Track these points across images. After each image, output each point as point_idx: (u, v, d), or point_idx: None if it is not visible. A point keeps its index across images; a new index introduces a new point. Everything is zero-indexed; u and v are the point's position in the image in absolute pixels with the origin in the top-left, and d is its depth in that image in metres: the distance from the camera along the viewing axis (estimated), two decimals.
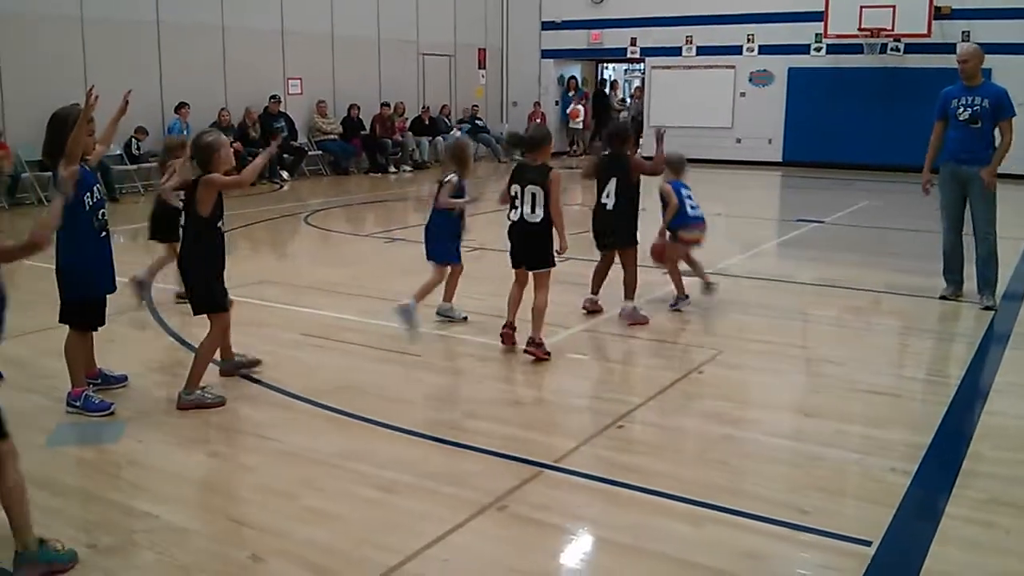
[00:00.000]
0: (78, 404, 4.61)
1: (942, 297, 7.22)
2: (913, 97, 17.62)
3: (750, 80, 20.02)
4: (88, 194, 4.54)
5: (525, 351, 5.62)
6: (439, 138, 19.52)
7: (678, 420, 4.74)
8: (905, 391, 5.25)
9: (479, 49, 22.17)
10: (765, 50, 19.72)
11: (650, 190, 6.94)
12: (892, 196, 14.80)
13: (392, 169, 18.16)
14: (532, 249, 5.67)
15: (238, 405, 4.83)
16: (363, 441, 4.37)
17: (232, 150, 5.04)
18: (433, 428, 4.50)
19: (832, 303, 7.42)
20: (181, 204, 4.91)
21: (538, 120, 21.76)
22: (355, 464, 4.05)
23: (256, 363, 5.34)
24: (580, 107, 22.39)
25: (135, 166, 14.24)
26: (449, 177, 6.24)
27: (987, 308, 6.89)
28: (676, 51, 20.82)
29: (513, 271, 5.86)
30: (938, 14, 17.42)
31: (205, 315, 4.84)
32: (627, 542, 3.39)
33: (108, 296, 4.79)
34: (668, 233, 6.88)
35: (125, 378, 5.06)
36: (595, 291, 6.78)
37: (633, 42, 21.41)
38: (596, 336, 6.37)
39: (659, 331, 6.34)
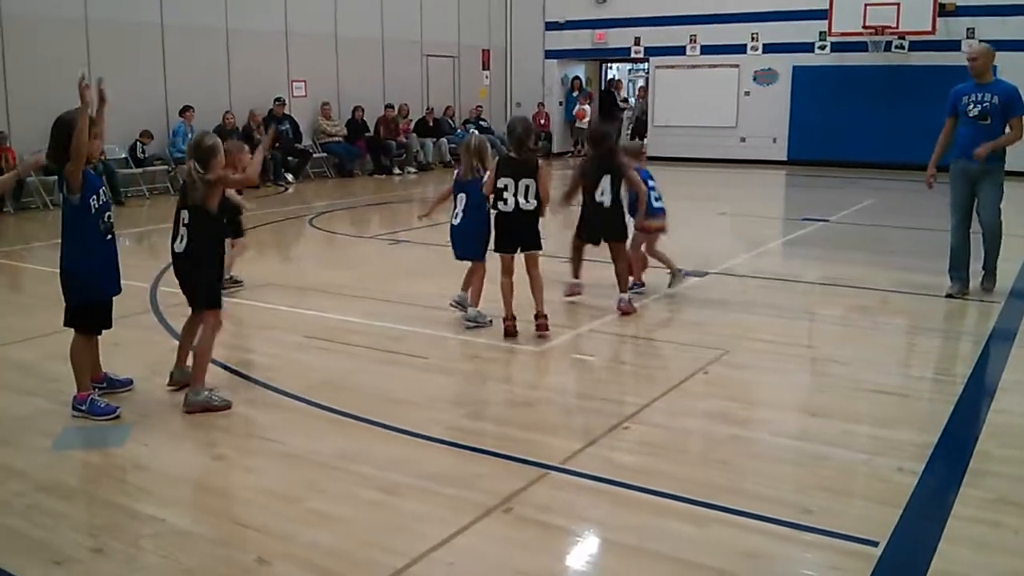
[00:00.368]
0: (83, 408, 4.61)
1: (948, 295, 7.22)
2: (918, 95, 17.60)
3: (754, 79, 19.98)
4: (94, 196, 4.55)
5: (538, 328, 6.04)
6: (443, 140, 19.54)
7: (684, 421, 4.72)
8: (911, 390, 5.23)
9: (483, 50, 22.17)
10: (769, 49, 19.68)
11: None
12: (897, 194, 14.77)
13: (396, 171, 18.17)
14: (529, 233, 6.06)
15: (243, 408, 4.83)
16: (367, 443, 4.36)
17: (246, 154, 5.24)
18: (438, 430, 4.49)
19: (838, 302, 7.41)
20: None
21: (542, 120, 21.80)
22: (360, 466, 4.05)
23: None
24: (587, 107, 22.36)
25: (140, 169, 14.26)
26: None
27: (985, 290, 7.24)
28: (680, 50, 20.80)
29: (501, 262, 6.12)
30: (943, 11, 17.38)
31: (201, 309, 4.88)
32: (633, 543, 3.38)
33: (113, 299, 4.79)
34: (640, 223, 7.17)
35: (130, 382, 5.06)
36: (577, 275, 7.05)
37: (637, 41, 21.39)
38: (602, 336, 6.36)
39: (664, 331, 6.33)
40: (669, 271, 7.45)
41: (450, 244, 6.52)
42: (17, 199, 12.50)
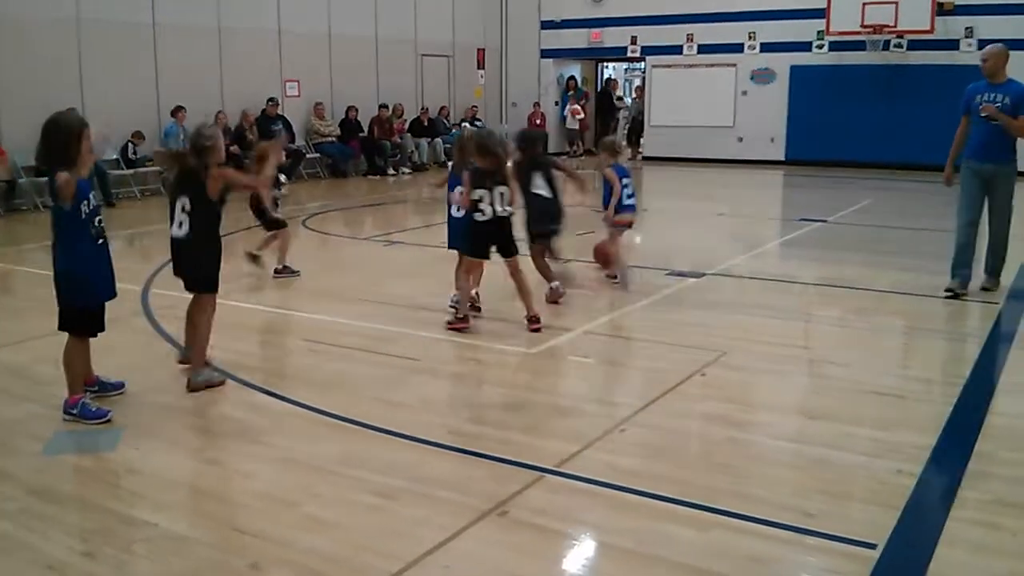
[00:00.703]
0: (75, 412, 4.57)
1: (947, 291, 7.19)
2: (916, 94, 17.63)
3: (752, 78, 19.97)
4: (84, 202, 4.52)
5: (532, 330, 6.14)
6: (438, 140, 19.51)
7: (681, 423, 4.70)
8: (910, 392, 5.20)
9: (478, 49, 22.14)
10: (767, 48, 19.68)
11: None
12: (895, 194, 14.77)
13: (391, 171, 18.13)
14: (509, 238, 6.22)
15: (236, 411, 4.80)
16: (363, 447, 4.33)
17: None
18: (433, 433, 4.46)
19: (836, 303, 7.39)
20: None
21: (537, 120, 21.78)
22: (355, 470, 4.01)
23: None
24: (578, 106, 22.33)
25: (132, 171, 14.22)
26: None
27: (984, 289, 7.25)
28: (677, 50, 20.79)
29: (469, 264, 6.34)
30: (941, 10, 17.39)
31: (198, 292, 5.07)
32: (630, 547, 3.35)
33: (107, 303, 4.76)
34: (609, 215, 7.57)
35: (122, 385, 5.02)
36: (550, 279, 7.07)
37: (633, 41, 21.38)
38: (598, 339, 6.33)
39: (661, 333, 6.30)
40: (616, 272, 7.60)
41: (447, 237, 6.68)
42: (8, 201, 12.44)
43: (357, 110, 17.85)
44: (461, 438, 4.40)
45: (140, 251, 10.31)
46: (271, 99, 16.21)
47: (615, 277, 7.57)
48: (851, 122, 18.44)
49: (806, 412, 4.82)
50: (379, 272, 8.73)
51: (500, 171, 6.16)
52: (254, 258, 8.08)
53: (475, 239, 6.26)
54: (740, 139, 20.19)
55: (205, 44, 15.37)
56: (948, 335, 6.61)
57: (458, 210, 6.46)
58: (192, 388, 4.97)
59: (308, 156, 17.22)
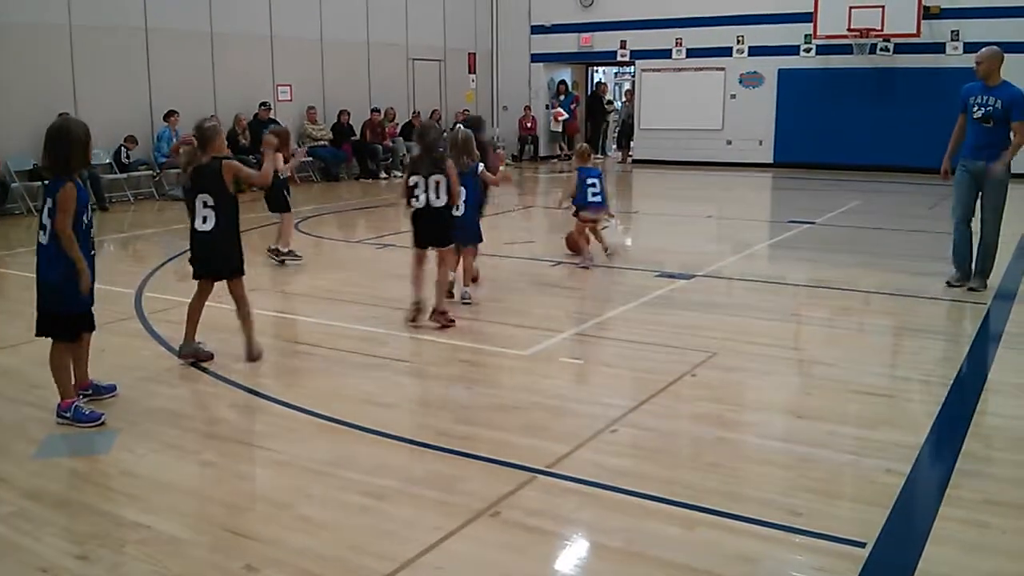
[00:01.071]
0: (68, 415, 4.57)
1: (948, 283, 7.46)
2: (903, 97, 17.73)
3: (740, 82, 20.05)
4: (84, 212, 4.53)
5: (431, 319, 6.32)
6: None
7: (671, 423, 4.73)
8: (898, 391, 5.25)
9: (469, 53, 22.17)
10: (755, 51, 19.76)
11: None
12: (883, 196, 14.83)
13: (383, 175, 18.14)
14: (440, 230, 6.33)
15: (229, 413, 4.81)
16: (355, 448, 4.35)
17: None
18: (425, 434, 4.48)
19: (824, 304, 7.44)
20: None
21: (528, 124, 21.80)
22: (347, 472, 4.03)
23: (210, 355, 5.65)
24: (560, 109, 22.32)
25: (124, 175, 14.19)
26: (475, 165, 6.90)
27: (971, 290, 7.35)
28: (666, 53, 20.85)
29: (414, 253, 6.44)
30: (927, 14, 17.48)
31: (237, 278, 5.44)
32: (621, 546, 3.38)
33: (98, 306, 4.77)
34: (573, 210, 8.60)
35: (115, 388, 5.03)
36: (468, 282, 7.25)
37: (623, 45, 21.44)
38: (588, 340, 6.36)
39: (652, 334, 6.33)
40: (582, 259, 8.51)
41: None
42: (0, 204, 12.41)
43: (349, 114, 17.85)
44: (453, 439, 4.42)
45: (133, 255, 10.29)
46: (263, 103, 16.21)
47: (587, 267, 8.35)
48: (838, 125, 18.54)
49: (795, 412, 4.86)
50: (372, 275, 8.74)
51: (436, 160, 6.28)
52: (283, 253, 8.69)
53: (413, 229, 6.40)
54: (729, 142, 20.27)
55: (198, 49, 15.35)
56: (936, 335, 6.66)
57: (459, 208, 6.57)
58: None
59: (301, 160, 17.17)
